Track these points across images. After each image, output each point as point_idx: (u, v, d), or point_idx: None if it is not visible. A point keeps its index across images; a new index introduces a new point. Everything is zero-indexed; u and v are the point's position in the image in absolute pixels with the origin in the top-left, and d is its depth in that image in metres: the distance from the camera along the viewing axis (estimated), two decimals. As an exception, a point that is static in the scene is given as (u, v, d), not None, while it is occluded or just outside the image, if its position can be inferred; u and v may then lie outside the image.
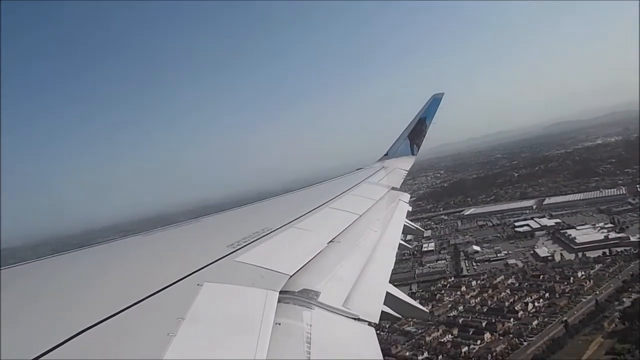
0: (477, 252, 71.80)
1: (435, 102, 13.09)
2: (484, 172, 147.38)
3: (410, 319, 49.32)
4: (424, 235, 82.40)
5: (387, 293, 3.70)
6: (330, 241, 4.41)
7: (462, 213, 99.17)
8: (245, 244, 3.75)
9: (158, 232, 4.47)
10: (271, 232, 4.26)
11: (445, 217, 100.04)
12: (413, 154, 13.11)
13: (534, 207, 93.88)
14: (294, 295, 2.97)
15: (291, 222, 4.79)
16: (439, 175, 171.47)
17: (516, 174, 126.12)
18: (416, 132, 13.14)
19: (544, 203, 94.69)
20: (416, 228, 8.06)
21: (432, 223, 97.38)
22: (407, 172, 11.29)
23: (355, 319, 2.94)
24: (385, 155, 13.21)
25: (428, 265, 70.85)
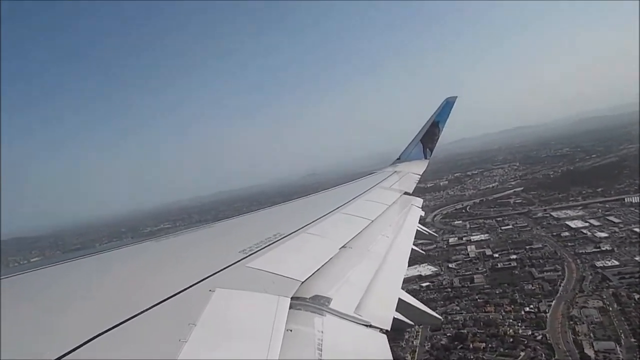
0: None
1: (448, 105, 13.01)
2: (571, 165, 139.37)
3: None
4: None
5: (399, 299, 3.67)
6: (342, 247, 4.39)
7: (624, 200, 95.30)
8: (257, 249, 3.77)
9: (171, 237, 4.53)
10: (283, 237, 4.27)
11: (606, 205, 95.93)
12: (426, 158, 13.02)
13: None
14: (305, 302, 2.97)
15: (303, 227, 4.79)
16: (515, 167, 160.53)
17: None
18: (429, 135, 13.05)
19: None
20: (429, 233, 7.96)
21: (599, 210, 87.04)
22: (419, 177, 11.19)
23: (366, 325, 2.91)
24: (398, 159, 13.15)
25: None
